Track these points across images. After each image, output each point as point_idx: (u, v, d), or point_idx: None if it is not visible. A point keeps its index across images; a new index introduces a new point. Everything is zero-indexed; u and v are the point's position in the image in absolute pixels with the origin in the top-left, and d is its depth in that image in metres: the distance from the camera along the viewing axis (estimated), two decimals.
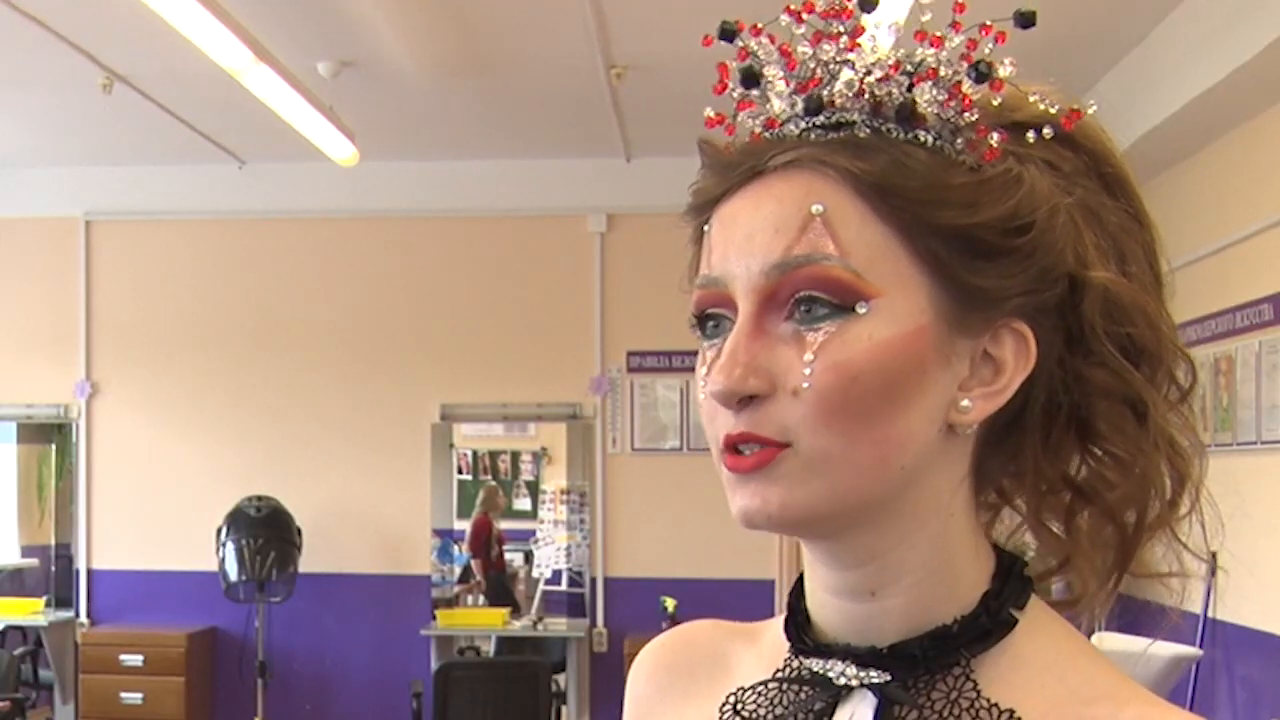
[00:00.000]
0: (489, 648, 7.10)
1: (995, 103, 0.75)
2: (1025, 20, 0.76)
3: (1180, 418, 0.80)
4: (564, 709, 6.92)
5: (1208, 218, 4.92)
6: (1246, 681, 4.85)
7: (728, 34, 0.78)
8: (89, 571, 7.25)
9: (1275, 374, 4.56)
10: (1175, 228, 5.22)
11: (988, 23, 0.76)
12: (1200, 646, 4.64)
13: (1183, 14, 4.58)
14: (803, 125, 0.76)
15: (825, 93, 0.76)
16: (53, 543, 7.39)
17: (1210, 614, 4.89)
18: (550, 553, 7.21)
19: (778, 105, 0.77)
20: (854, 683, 0.78)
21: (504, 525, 7.30)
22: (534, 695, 6.23)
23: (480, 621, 7.03)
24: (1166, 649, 4.06)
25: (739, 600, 6.68)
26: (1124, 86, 5.04)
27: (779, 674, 0.83)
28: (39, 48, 5.09)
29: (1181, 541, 0.81)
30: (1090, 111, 0.78)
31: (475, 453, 7.26)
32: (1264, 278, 4.60)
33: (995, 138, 0.74)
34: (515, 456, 7.29)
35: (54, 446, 7.38)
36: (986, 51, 0.75)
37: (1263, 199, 4.62)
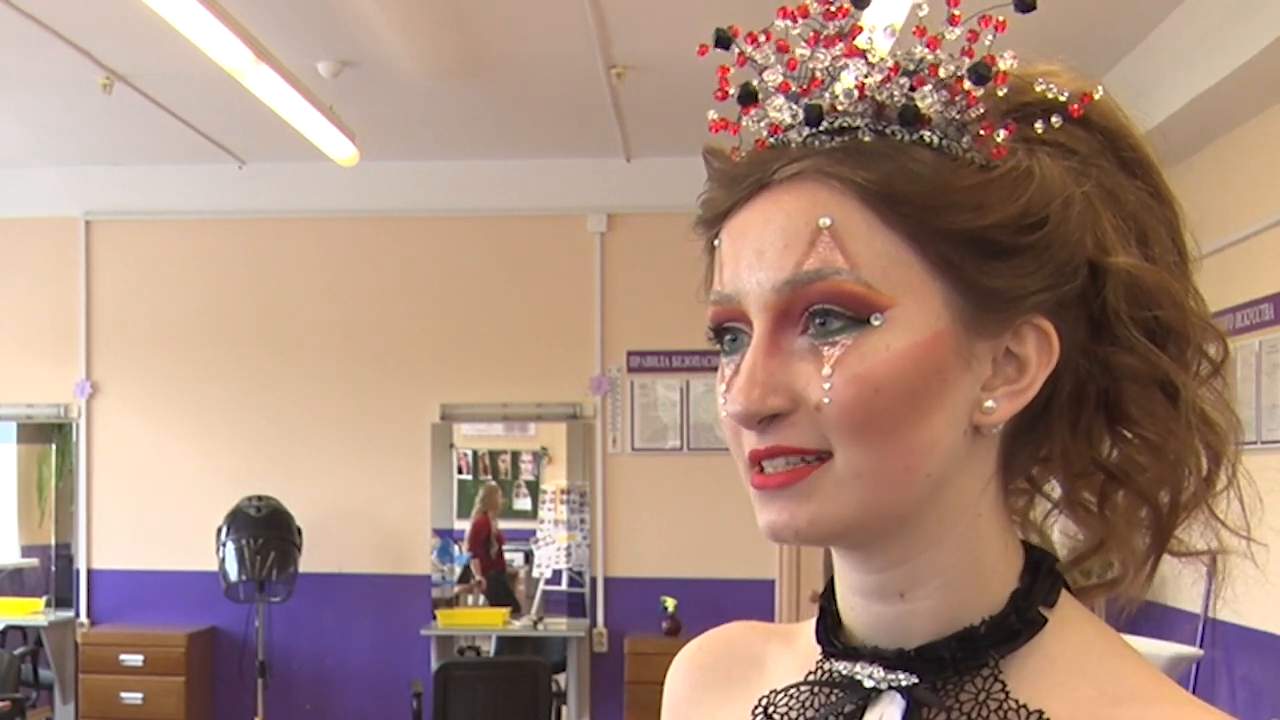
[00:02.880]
0: (489, 648, 7.10)
1: (1001, 93, 0.74)
2: (1025, 5, 0.74)
3: (1214, 393, 0.79)
4: (564, 709, 6.92)
5: (1208, 218, 4.90)
6: (1246, 681, 4.85)
7: (724, 41, 0.77)
8: (89, 571, 7.25)
9: (1275, 374, 4.56)
10: None
11: (987, 13, 0.74)
12: (1200, 646, 4.64)
13: (1183, 14, 4.58)
14: (805, 133, 0.75)
15: (826, 97, 0.74)
16: (53, 543, 7.38)
17: (1210, 614, 4.89)
18: (550, 552, 7.21)
19: (783, 116, 0.76)
20: (882, 685, 0.77)
21: (504, 525, 7.30)
22: (534, 695, 6.22)
23: (480, 621, 7.03)
24: (1166, 649, 4.06)
25: (739, 600, 6.68)
26: (1124, 86, 5.03)
27: (810, 676, 0.82)
28: (39, 48, 5.09)
29: (1219, 519, 0.80)
30: (1098, 95, 0.77)
31: (475, 453, 7.26)
32: (1264, 278, 4.60)
33: (1002, 134, 0.73)
34: (515, 456, 7.29)
35: (54, 446, 7.38)
36: (987, 43, 0.74)
37: (1263, 199, 4.62)
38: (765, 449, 0.74)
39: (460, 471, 7.24)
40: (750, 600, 6.70)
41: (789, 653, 0.87)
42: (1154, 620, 4.06)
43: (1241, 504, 0.80)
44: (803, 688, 0.83)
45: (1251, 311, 4.68)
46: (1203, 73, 4.42)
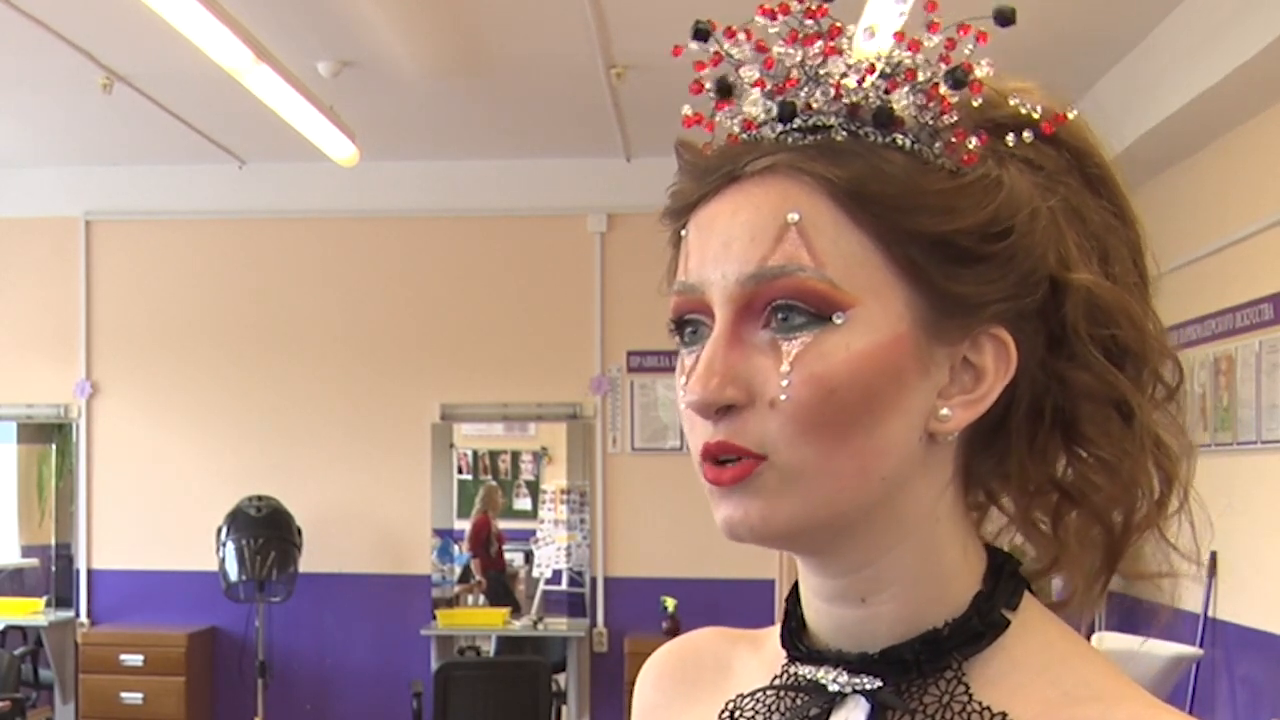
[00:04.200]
0: (489, 648, 7.10)
1: (975, 104, 0.75)
2: (1004, 18, 0.74)
3: (1168, 417, 0.79)
4: (564, 709, 6.92)
5: (1208, 218, 4.92)
6: (1246, 681, 4.85)
7: (702, 35, 0.77)
8: (89, 571, 7.25)
9: (1275, 374, 4.55)
10: (1175, 228, 5.22)
11: (967, 22, 0.74)
12: (1200, 646, 4.64)
13: (1183, 14, 4.58)
14: (779, 130, 0.75)
15: (802, 95, 0.75)
16: (53, 543, 7.39)
17: (1210, 614, 4.89)
18: (550, 552, 7.21)
19: (755, 110, 0.76)
20: (846, 689, 0.77)
21: (504, 525, 7.30)
22: (534, 695, 6.22)
23: (480, 621, 7.03)
24: (1166, 649, 4.07)
25: (739, 600, 6.69)
26: (1124, 86, 5.04)
27: (776, 681, 0.82)
28: (39, 48, 5.09)
29: (1170, 542, 0.80)
30: (1071, 116, 0.77)
31: (475, 453, 7.26)
32: (1264, 278, 4.60)
33: (974, 142, 0.73)
34: (515, 456, 7.29)
35: (54, 446, 7.38)
36: (966, 52, 0.74)
37: (1263, 199, 4.62)
38: (716, 443, 0.74)
39: (460, 471, 7.24)
40: (750, 600, 6.71)
41: (756, 657, 0.87)
42: (1153, 619, 4.05)
43: (1192, 527, 0.80)
44: (768, 692, 0.83)
45: (1251, 311, 4.68)
46: (1203, 73, 4.42)
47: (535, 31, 5.09)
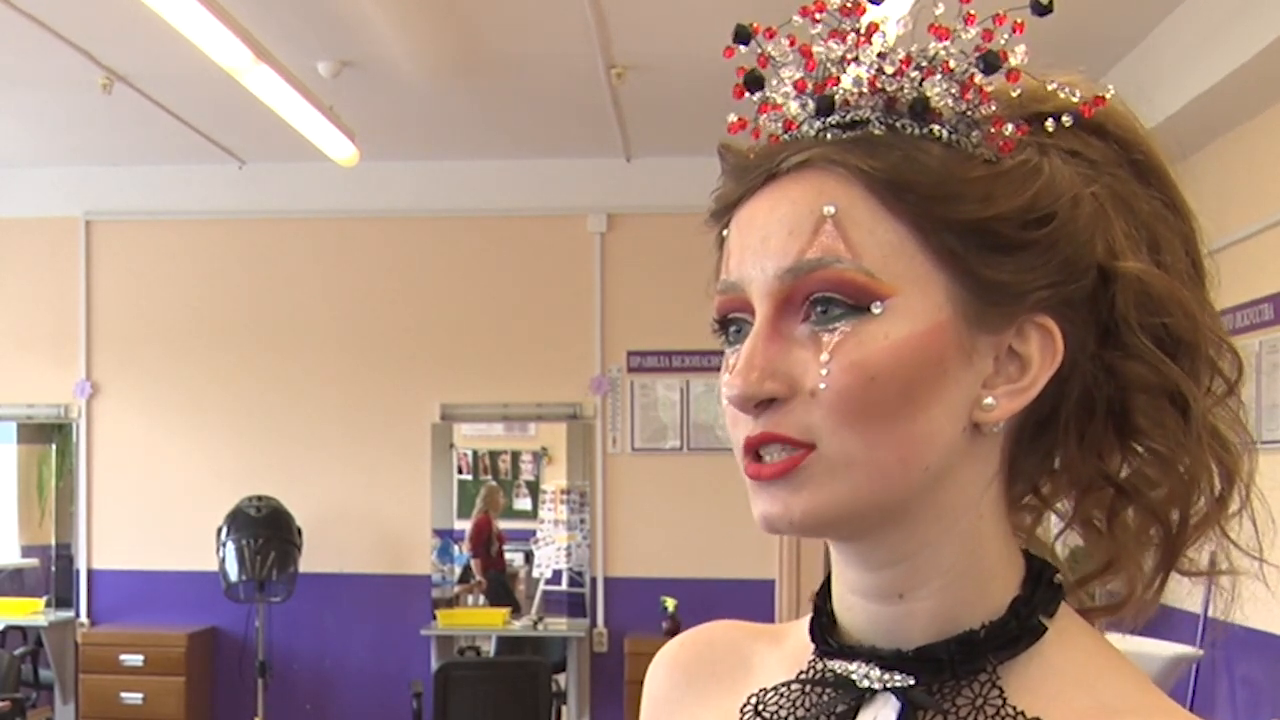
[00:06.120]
0: (489, 648, 7.10)
1: (1014, 94, 0.74)
2: (1042, 8, 0.75)
3: (1228, 411, 0.78)
4: (564, 709, 6.92)
5: (1208, 218, 4.89)
6: (1246, 681, 4.85)
7: (743, 37, 0.77)
8: (89, 571, 7.25)
9: (1275, 374, 4.56)
10: None
11: (1002, 13, 0.74)
12: (1200, 646, 4.64)
13: (1183, 14, 4.58)
14: (817, 126, 0.75)
15: (840, 91, 0.75)
16: (53, 543, 7.38)
17: (1210, 614, 4.89)
18: (550, 552, 7.21)
19: (793, 107, 0.76)
20: (878, 685, 0.76)
21: (504, 525, 7.30)
22: (534, 695, 6.22)
23: (480, 621, 7.03)
24: (1166, 649, 4.06)
25: (739, 600, 6.68)
26: (1124, 86, 5.03)
27: (802, 675, 0.81)
28: (39, 48, 5.09)
29: (1232, 540, 0.78)
30: (1109, 96, 0.77)
31: (475, 453, 7.26)
32: (1264, 278, 4.60)
33: (1010, 129, 0.73)
34: (515, 456, 7.29)
35: (54, 446, 7.38)
36: (1002, 42, 0.74)
37: (1263, 199, 4.62)
38: (757, 435, 0.73)
39: (460, 471, 7.24)
40: (750, 600, 6.70)
41: (777, 652, 0.86)
42: (1153, 620, 4.06)
43: (1254, 525, 0.78)
44: (794, 686, 0.82)
45: (1251, 311, 4.68)
46: (1203, 73, 4.42)
47: (535, 31, 5.09)
